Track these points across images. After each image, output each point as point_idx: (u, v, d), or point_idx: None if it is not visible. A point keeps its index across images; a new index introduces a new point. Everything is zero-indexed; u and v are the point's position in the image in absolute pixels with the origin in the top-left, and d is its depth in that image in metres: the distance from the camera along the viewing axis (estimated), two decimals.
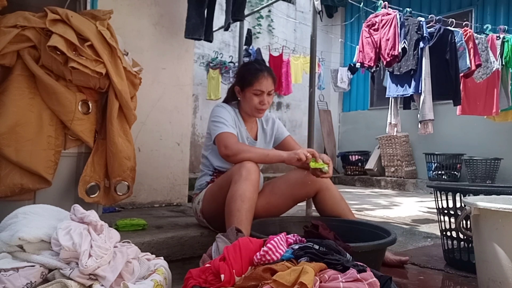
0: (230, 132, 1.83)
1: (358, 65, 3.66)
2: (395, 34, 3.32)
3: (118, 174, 1.71)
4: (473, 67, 3.53)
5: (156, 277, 1.14)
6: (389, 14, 3.44)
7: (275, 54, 6.18)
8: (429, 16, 3.58)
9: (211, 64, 6.13)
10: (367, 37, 3.53)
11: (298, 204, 1.99)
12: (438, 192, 1.84)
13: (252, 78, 1.90)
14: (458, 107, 4.07)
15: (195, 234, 1.90)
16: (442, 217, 1.87)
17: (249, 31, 6.13)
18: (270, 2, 4.03)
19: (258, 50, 6.01)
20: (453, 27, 3.58)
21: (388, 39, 3.35)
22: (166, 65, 2.83)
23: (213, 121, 1.89)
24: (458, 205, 1.75)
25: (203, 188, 1.97)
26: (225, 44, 6.50)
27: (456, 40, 3.45)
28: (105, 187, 1.74)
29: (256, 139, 2.06)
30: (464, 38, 3.51)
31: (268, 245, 1.10)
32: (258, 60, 4.36)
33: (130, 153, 1.75)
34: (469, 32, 3.57)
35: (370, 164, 6.60)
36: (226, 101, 2.08)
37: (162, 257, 1.30)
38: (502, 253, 1.25)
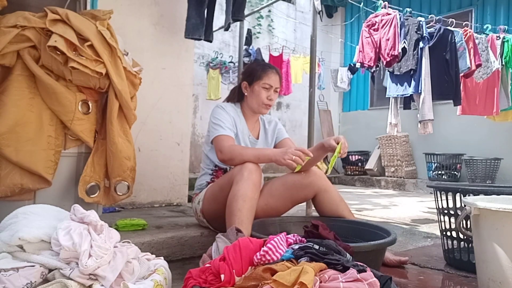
0: (226, 134, 1.85)
1: (358, 65, 3.67)
2: (395, 34, 3.32)
3: (118, 174, 1.70)
4: (473, 67, 3.53)
5: (156, 277, 1.14)
6: (389, 14, 3.44)
7: (275, 54, 6.18)
8: (429, 16, 3.59)
9: (211, 64, 6.13)
10: (367, 37, 3.53)
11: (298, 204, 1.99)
12: (438, 192, 1.84)
13: (261, 72, 1.95)
14: (458, 107, 4.07)
15: (195, 234, 1.90)
16: (442, 217, 1.87)
17: (249, 31, 6.13)
18: (270, 2, 4.03)
19: (258, 50, 6.01)
20: (453, 27, 3.58)
21: (388, 39, 3.35)
22: (166, 65, 2.83)
23: (211, 122, 1.93)
24: (458, 205, 1.75)
25: (203, 188, 1.98)
26: (225, 44, 6.50)
27: (456, 40, 3.45)
28: (105, 187, 1.74)
29: (257, 138, 2.07)
30: (464, 38, 3.52)
31: (268, 245, 1.10)
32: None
33: (130, 153, 1.75)
34: (469, 32, 3.58)
35: (370, 164, 6.60)
36: (229, 99, 2.11)
37: (162, 257, 1.30)
38: (502, 253, 1.25)
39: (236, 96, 2.09)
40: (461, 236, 1.74)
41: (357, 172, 6.85)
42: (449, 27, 3.54)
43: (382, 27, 3.43)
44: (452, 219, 1.79)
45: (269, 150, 1.81)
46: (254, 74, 1.96)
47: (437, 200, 1.86)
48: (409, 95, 3.56)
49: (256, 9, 4.24)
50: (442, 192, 1.81)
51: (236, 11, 2.92)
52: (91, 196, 1.66)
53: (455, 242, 1.80)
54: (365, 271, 1.02)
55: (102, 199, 1.72)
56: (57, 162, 1.58)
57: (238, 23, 3.76)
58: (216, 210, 1.80)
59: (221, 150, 1.81)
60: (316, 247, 1.14)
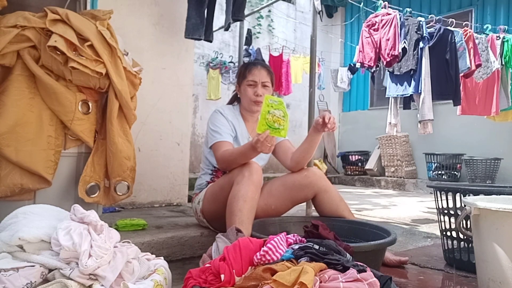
0: (223, 140, 1.87)
1: (358, 65, 3.67)
2: (395, 34, 3.32)
3: (118, 174, 1.71)
4: (473, 67, 3.53)
5: (156, 277, 1.14)
6: (389, 14, 3.44)
7: (275, 54, 6.18)
8: (429, 16, 3.58)
9: (211, 64, 6.12)
10: (367, 37, 3.53)
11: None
12: (438, 192, 1.84)
13: (245, 70, 1.99)
14: (458, 107, 4.07)
15: (195, 234, 1.90)
16: (442, 217, 1.87)
17: (249, 31, 6.12)
18: (270, 2, 4.03)
19: (258, 50, 6.00)
20: (453, 27, 3.58)
21: (388, 39, 3.35)
22: (166, 65, 2.83)
23: (209, 128, 1.95)
24: (458, 205, 1.75)
25: (203, 188, 1.98)
26: (225, 44, 6.50)
27: (456, 40, 3.45)
28: (105, 187, 1.74)
29: None
30: (464, 38, 3.51)
31: (268, 245, 1.10)
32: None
33: (130, 153, 1.75)
34: (469, 32, 3.57)
35: (370, 164, 6.60)
36: (230, 102, 2.14)
37: (162, 257, 1.30)
38: (502, 253, 1.25)
39: (235, 99, 2.12)
40: (461, 236, 1.74)
41: (357, 172, 6.85)
42: (449, 27, 3.54)
43: (382, 27, 3.43)
44: (452, 219, 1.79)
45: (250, 150, 1.67)
46: (240, 74, 2.01)
47: (437, 200, 1.86)
48: (409, 95, 3.56)
49: (256, 9, 4.24)
50: (442, 192, 1.81)
51: (236, 11, 2.92)
52: (91, 196, 1.66)
53: (455, 242, 1.80)
54: (365, 271, 1.02)
55: (102, 199, 1.72)
56: (57, 162, 1.58)
57: (238, 23, 3.76)
58: (216, 210, 1.80)
59: (217, 159, 1.86)
60: (316, 247, 1.14)
